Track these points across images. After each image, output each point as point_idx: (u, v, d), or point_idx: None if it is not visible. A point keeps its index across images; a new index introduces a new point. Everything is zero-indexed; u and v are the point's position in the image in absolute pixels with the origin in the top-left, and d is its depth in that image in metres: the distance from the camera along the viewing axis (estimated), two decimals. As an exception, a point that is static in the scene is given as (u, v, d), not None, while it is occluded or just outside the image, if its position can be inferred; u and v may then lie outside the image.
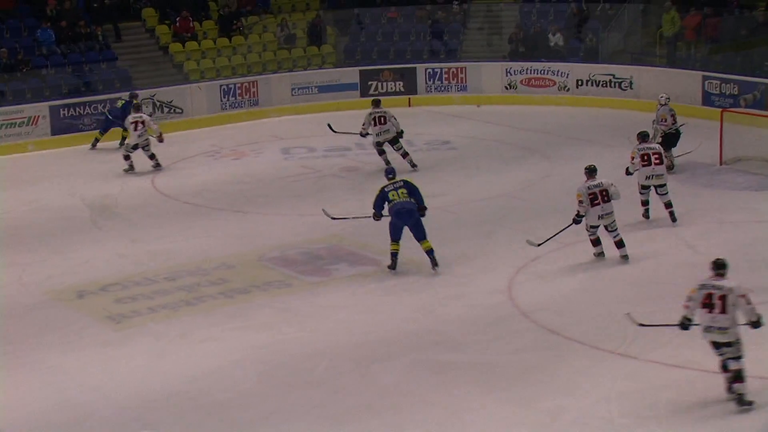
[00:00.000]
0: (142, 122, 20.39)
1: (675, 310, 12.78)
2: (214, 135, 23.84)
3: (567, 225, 14.94)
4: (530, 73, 26.21)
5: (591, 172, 14.83)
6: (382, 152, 19.92)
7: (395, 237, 14.67)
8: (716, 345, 10.54)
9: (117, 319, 13.25)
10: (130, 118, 20.48)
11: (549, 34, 26.92)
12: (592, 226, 14.77)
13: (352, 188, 19.16)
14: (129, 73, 25.41)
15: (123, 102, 22.59)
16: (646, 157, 15.93)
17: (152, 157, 20.58)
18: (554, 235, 14.98)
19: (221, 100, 25.58)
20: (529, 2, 28.35)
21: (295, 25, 28.11)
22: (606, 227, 14.74)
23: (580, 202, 14.70)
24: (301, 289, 14.25)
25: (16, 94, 23.81)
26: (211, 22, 27.69)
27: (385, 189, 14.89)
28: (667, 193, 16.19)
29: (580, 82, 25.78)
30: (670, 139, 18.93)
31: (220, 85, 25.65)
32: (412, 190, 14.83)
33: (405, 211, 14.63)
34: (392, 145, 19.90)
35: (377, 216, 14.95)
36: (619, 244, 14.80)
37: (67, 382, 11.57)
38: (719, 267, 10.69)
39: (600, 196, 14.57)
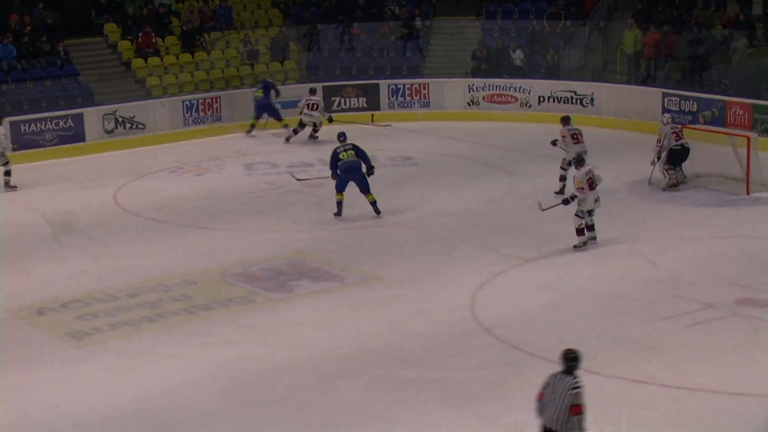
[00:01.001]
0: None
1: (636, 325, 12.99)
2: (177, 151, 23.76)
3: (558, 203, 16.23)
4: (492, 89, 26.36)
5: (581, 161, 16.04)
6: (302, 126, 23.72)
7: (340, 188, 17.85)
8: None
9: (78, 336, 13.16)
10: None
11: (510, 51, 27.09)
12: (589, 211, 15.71)
13: (316, 203, 19.14)
14: (91, 89, 25.28)
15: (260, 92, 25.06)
16: (575, 135, 18.17)
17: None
18: (555, 206, 16.24)
19: (184, 116, 25.52)
20: (491, 19, 28.52)
21: (258, 41, 28.11)
22: (590, 212, 15.75)
23: (581, 188, 15.62)
24: (263, 306, 14.22)
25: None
26: (173, 37, 27.61)
27: (337, 150, 17.94)
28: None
29: (542, 99, 25.96)
30: (677, 155, 19.04)
31: (183, 101, 25.59)
32: (359, 152, 17.85)
33: (352, 169, 17.73)
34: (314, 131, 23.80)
35: (334, 175, 17.88)
36: (591, 228, 15.85)
37: (27, 401, 11.46)
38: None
39: (595, 182, 15.73)
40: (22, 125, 23.34)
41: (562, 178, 18.94)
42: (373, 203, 17.75)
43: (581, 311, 13.58)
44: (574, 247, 15.76)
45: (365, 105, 26.65)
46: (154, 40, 26.95)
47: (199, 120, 25.63)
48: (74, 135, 23.96)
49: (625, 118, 24.61)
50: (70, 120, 23.95)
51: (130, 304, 14.21)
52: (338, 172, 17.79)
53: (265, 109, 25.18)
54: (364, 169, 17.78)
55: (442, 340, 12.83)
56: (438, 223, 17.71)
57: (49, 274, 15.58)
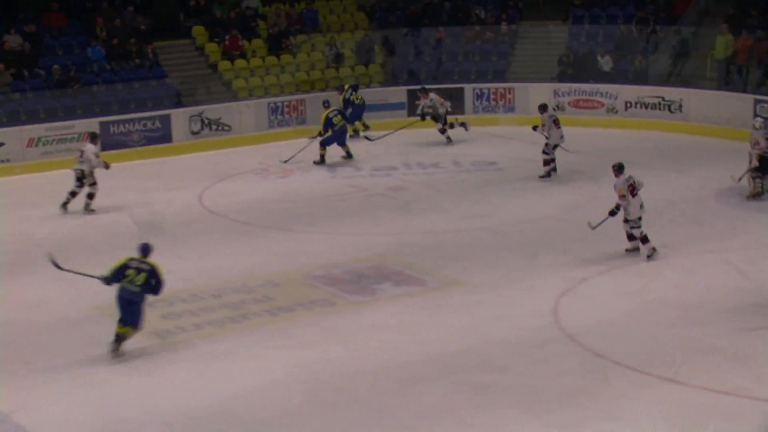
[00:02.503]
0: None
1: (723, 336, 12.73)
2: (262, 153, 23.95)
3: (606, 218, 15.82)
4: (578, 94, 26.13)
5: (620, 168, 15.71)
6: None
7: (327, 144, 22.28)
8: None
9: (163, 335, 13.32)
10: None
11: (598, 56, 26.79)
12: (639, 218, 15.55)
13: (399, 207, 19.15)
14: (178, 90, 25.62)
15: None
16: (632, 188, 15.62)
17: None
18: (603, 221, 15.87)
19: (269, 118, 25.73)
20: (578, 24, 28.25)
21: (343, 44, 28.22)
22: (637, 219, 15.57)
23: (623, 196, 15.50)
24: (345, 309, 14.24)
25: (67, 110, 24.10)
26: (260, 40, 27.87)
27: (329, 115, 22.20)
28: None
29: (628, 104, 25.64)
30: (766, 163, 18.70)
31: (268, 103, 25.79)
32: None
33: (343, 132, 22.52)
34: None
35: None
36: (646, 240, 15.58)
37: (112, 398, 11.62)
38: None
39: (637, 188, 15.55)
40: (111, 126, 23.76)
41: (546, 162, 20.50)
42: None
43: (667, 320, 13.35)
44: (626, 250, 15.76)
45: (449, 109, 26.51)
46: (240, 43, 27.23)
47: (284, 122, 25.82)
48: (161, 136, 24.32)
49: (714, 125, 24.15)
50: (157, 121, 24.30)
51: (213, 305, 14.34)
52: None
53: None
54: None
55: (524, 346, 12.72)
56: (521, 229, 17.58)
57: (135, 273, 15.76)
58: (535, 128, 21.20)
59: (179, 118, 24.62)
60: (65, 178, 21.28)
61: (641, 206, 15.52)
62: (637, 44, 26.95)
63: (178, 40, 27.60)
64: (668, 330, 13.01)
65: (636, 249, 15.74)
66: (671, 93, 25.27)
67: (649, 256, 15.59)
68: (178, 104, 25.23)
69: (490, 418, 10.91)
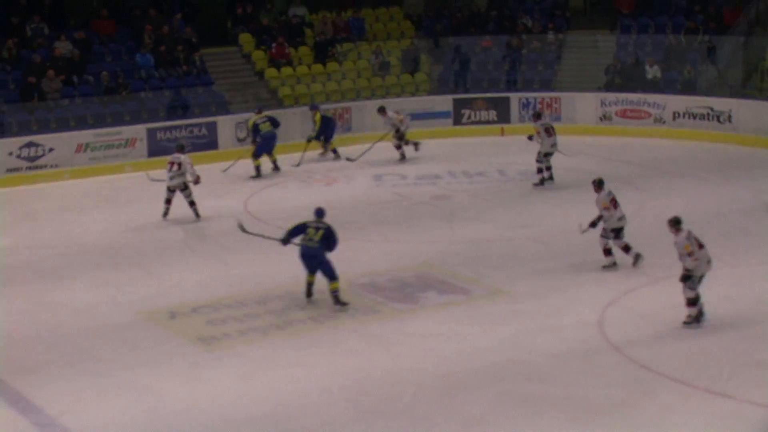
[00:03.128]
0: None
1: (772, 350, 12.55)
2: (307, 160, 23.98)
3: (589, 225, 15.69)
4: (626, 104, 25.96)
5: (600, 183, 15.70)
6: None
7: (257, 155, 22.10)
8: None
9: (207, 341, 13.36)
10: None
11: (646, 66, 26.61)
12: (615, 230, 15.52)
13: (442, 217, 19.11)
14: (225, 98, 25.76)
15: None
16: (548, 130, 17.49)
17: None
18: (589, 227, 15.73)
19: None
20: (626, 33, 28.06)
21: (390, 53, 28.25)
22: (620, 231, 15.53)
23: (606, 208, 15.51)
24: (389, 316, 14.22)
25: (114, 117, 24.32)
26: (306, 48, 27.96)
27: (257, 122, 22.09)
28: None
29: (676, 115, 25.43)
30: None
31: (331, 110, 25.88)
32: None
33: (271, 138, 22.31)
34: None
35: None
36: (627, 249, 15.63)
37: (156, 403, 11.67)
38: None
39: (616, 201, 15.61)
40: (157, 132, 23.94)
41: (540, 171, 20.74)
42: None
43: (715, 332, 13.18)
44: (603, 267, 15.57)
45: (495, 118, 26.54)
46: (287, 51, 27.34)
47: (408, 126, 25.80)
48: (208, 143, 24.48)
49: (764, 136, 23.90)
50: (204, 128, 24.45)
51: (258, 311, 14.37)
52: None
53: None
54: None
55: (569, 356, 12.62)
56: (566, 239, 17.41)
57: (180, 279, 15.89)
58: (530, 137, 21.28)
59: (225, 125, 24.76)
60: (112, 184, 21.53)
61: (620, 218, 15.52)
62: (685, 54, 26.71)
63: (226, 48, 27.78)
64: (716, 342, 12.85)
65: (613, 264, 15.61)
66: (720, 104, 25.02)
67: (634, 264, 15.60)
68: (225, 111, 25.35)
69: (534, 429, 10.84)
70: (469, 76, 27.90)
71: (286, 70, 27.10)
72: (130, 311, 14.49)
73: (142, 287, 15.58)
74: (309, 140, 23.89)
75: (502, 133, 25.97)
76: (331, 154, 24.11)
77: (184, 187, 18.87)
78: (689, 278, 13.25)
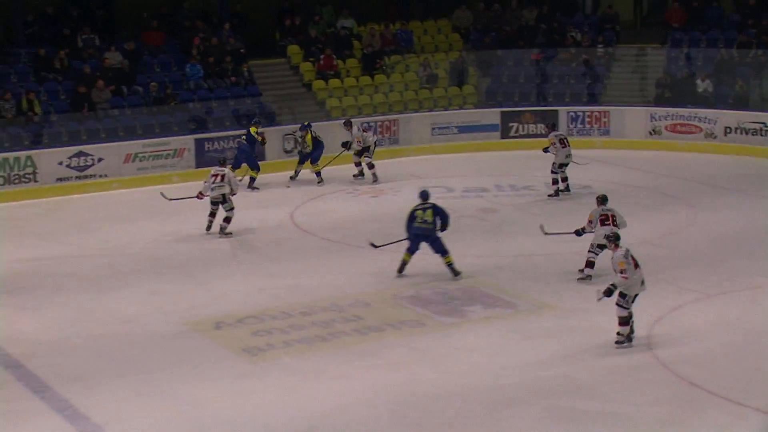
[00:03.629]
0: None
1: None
2: (354, 172, 23.97)
3: (569, 231, 16.22)
4: (676, 119, 25.70)
5: (603, 200, 16.05)
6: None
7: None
8: None
9: (253, 351, 13.36)
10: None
11: (697, 80, 26.35)
12: (598, 245, 15.64)
13: (489, 230, 19.02)
14: (272, 109, 25.84)
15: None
16: (605, 219, 15.87)
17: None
18: (560, 233, 16.43)
19: (362, 138, 25.77)
20: (677, 47, 27.81)
21: (437, 65, 28.21)
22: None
23: (590, 222, 15.94)
24: (434, 330, 14.15)
25: (163, 127, 24.47)
26: (354, 60, 28.00)
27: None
28: None
29: (728, 130, 25.15)
30: None
31: (361, 123, 25.85)
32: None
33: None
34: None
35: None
36: (590, 265, 15.89)
37: (201, 413, 11.68)
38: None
39: (611, 219, 15.68)
40: (205, 143, 24.05)
41: (555, 182, 21.04)
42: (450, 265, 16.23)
43: (766, 352, 12.98)
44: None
45: (543, 132, 26.31)
46: (335, 63, 27.39)
47: (377, 142, 25.80)
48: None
49: (818, 152, 23.62)
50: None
51: (303, 323, 14.36)
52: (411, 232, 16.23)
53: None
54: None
55: (617, 372, 12.49)
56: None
57: (227, 289, 15.91)
58: (546, 150, 21.41)
59: (272, 136, 24.79)
60: (159, 194, 21.60)
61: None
62: (737, 68, 26.42)
63: (274, 59, 27.89)
64: (767, 361, 12.66)
65: (589, 277, 15.75)
66: (774, 119, 24.72)
67: (579, 279, 15.82)
68: (272, 123, 25.43)
69: (580, 446, 10.72)
70: (517, 89, 27.80)
71: (334, 82, 27.15)
72: (177, 321, 14.53)
73: (189, 297, 15.63)
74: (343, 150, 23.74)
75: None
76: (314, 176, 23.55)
77: (224, 200, 18.91)
78: (611, 293, 13.24)
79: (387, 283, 16.03)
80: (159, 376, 12.66)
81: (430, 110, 27.07)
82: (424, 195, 16.13)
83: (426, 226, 15.85)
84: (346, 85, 27.27)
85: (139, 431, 11.28)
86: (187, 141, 24.02)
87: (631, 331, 13.29)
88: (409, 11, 30.66)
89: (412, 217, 15.98)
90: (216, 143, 24.22)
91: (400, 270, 16.16)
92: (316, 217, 20.32)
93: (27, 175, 22.46)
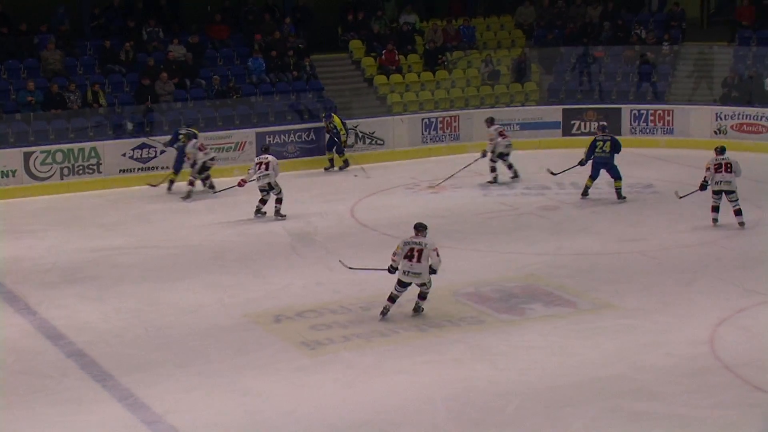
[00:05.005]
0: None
1: None
2: (414, 168, 23.97)
3: (694, 190, 18.57)
4: (742, 118, 25.32)
5: (721, 150, 18.47)
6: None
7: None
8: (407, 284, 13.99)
9: (311, 345, 13.39)
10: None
11: (765, 79, 25.92)
12: (714, 192, 18.26)
13: (550, 228, 18.89)
14: (334, 103, 25.90)
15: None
16: (718, 167, 18.34)
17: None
18: (690, 193, 18.87)
19: (422, 134, 25.77)
20: (745, 46, 27.39)
21: (500, 62, 28.08)
22: (726, 194, 18.14)
23: (707, 169, 18.29)
24: (494, 327, 14.08)
25: (225, 120, 24.62)
26: (416, 55, 27.97)
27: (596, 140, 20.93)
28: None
29: (795, 130, 24.76)
30: None
31: (422, 119, 25.84)
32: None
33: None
34: None
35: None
36: (737, 213, 18.21)
37: (260, 405, 11.72)
38: (420, 227, 14.06)
39: (724, 167, 18.14)
40: (267, 137, 24.16)
41: (493, 170, 22.38)
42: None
43: (833, 355, 12.76)
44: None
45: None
46: (397, 58, 27.37)
47: (438, 138, 25.82)
48: (315, 148, 24.61)
49: None
50: (312, 133, 24.58)
51: (362, 317, 14.36)
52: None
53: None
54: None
55: (679, 374, 12.31)
56: (677, 254, 17.10)
57: (286, 283, 15.97)
58: (483, 154, 22.47)
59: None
60: (220, 187, 21.77)
61: (717, 183, 18.23)
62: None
63: (336, 54, 27.94)
64: (833, 366, 12.44)
65: (715, 220, 18.22)
66: (844, 118, 24.29)
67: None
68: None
69: (641, 447, 10.61)
70: (580, 86, 27.57)
71: (396, 77, 27.13)
72: (236, 313, 14.61)
73: (248, 290, 15.71)
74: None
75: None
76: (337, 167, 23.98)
77: (271, 187, 19.19)
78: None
79: (446, 279, 15.93)
80: (219, 368, 12.73)
81: (492, 107, 26.94)
82: (603, 128, 20.73)
83: (605, 155, 20.11)
84: (407, 80, 27.24)
85: (199, 422, 11.33)
86: (248, 134, 24.14)
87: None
88: (473, 7, 30.58)
89: (593, 147, 20.21)
90: (278, 137, 24.31)
91: (585, 193, 20.45)
92: (376, 211, 20.32)
93: (91, 166, 22.73)
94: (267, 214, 19.64)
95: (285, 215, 19.42)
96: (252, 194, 20.15)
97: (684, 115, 25.94)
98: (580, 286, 15.56)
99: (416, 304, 14.42)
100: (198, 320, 14.42)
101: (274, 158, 19.74)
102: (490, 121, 23.00)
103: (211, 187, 21.84)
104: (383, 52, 27.31)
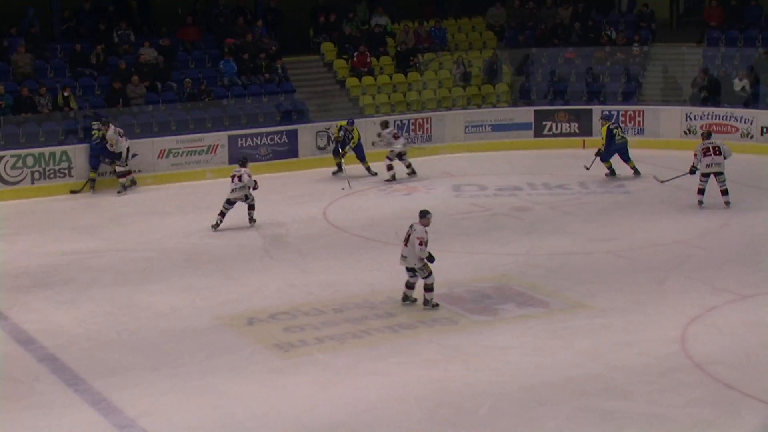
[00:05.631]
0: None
1: None
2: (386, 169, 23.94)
3: (683, 173, 19.56)
4: (712, 118, 25.47)
5: (707, 135, 19.83)
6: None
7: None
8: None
9: (285, 347, 13.38)
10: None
11: (735, 79, 26.12)
12: (703, 174, 19.21)
13: (522, 228, 18.95)
14: (306, 106, 25.86)
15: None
16: (706, 151, 19.31)
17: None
18: (676, 177, 19.95)
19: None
20: (714, 46, 27.56)
21: (471, 63, 28.12)
22: (715, 176, 19.16)
23: (695, 155, 19.31)
24: (467, 328, 14.11)
25: (197, 123, 24.54)
26: (388, 57, 27.98)
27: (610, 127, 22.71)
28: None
29: (765, 129, 24.92)
30: None
31: (395, 121, 25.82)
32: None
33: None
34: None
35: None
36: (724, 193, 19.37)
37: (234, 407, 11.70)
38: (420, 214, 14.54)
39: (712, 150, 19.21)
40: (239, 139, 24.10)
41: (390, 168, 22.81)
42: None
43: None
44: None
45: (577, 131, 26.25)
46: (368, 60, 27.37)
47: (410, 140, 25.78)
48: (288, 150, 24.57)
49: None
50: (284, 136, 24.56)
51: (335, 319, 14.36)
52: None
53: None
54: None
55: (651, 373, 12.39)
56: (649, 253, 17.20)
57: (259, 285, 15.95)
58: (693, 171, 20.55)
59: (306, 133, 24.84)
60: (192, 190, 21.74)
61: (707, 165, 19.22)
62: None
63: (307, 56, 27.90)
64: (803, 363, 12.55)
65: (700, 202, 19.38)
66: (810, 119, 24.47)
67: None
68: (305, 120, 25.45)
69: (614, 446, 10.66)
70: (551, 87, 27.67)
71: (368, 80, 27.14)
72: (209, 316, 14.58)
73: (222, 293, 15.67)
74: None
75: (584, 145, 25.64)
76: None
77: (245, 198, 19.13)
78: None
79: (419, 280, 15.97)
80: (192, 370, 12.71)
81: (464, 108, 27.00)
82: (608, 116, 23.35)
83: (623, 141, 22.46)
84: (379, 82, 27.25)
85: (173, 425, 11.31)
86: (220, 137, 24.08)
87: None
88: (444, 9, 30.59)
89: (611, 135, 22.25)
90: (249, 140, 24.25)
91: (613, 174, 22.47)
92: (349, 213, 20.33)
93: (62, 170, 22.60)
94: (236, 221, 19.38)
95: (255, 220, 19.33)
96: (223, 198, 20.06)
97: (654, 116, 26.07)
98: (553, 286, 15.63)
99: (423, 298, 14.62)
100: (171, 323, 14.38)
101: (247, 170, 19.34)
102: (384, 124, 23.53)
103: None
104: (355, 54, 27.31)
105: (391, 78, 27.44)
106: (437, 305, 14.62)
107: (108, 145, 22.01)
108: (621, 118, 25.96)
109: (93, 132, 22.41)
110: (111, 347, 13.55)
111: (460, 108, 26.98)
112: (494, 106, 27.19)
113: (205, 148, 23.87)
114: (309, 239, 18.57)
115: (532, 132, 26.51)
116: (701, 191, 19.48)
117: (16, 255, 17.79)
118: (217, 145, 23.96)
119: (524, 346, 13.39)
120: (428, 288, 14.59)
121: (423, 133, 26.09)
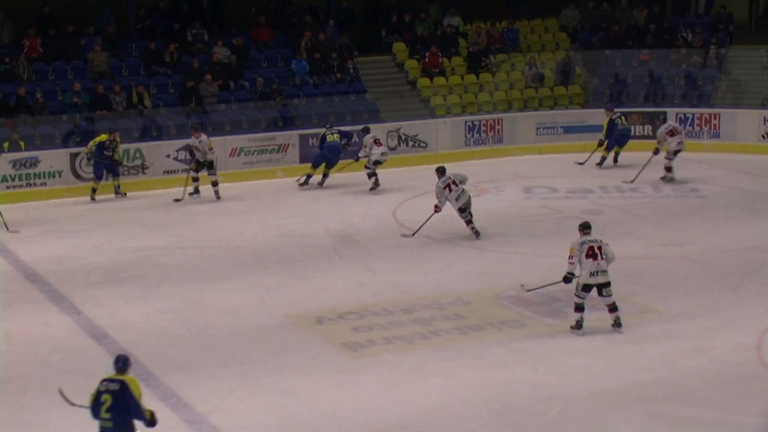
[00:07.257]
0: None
1: None
2: (457, 171, 23.82)
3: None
4: (791, 122, 25.03)
5: (585, 227, 13.94)
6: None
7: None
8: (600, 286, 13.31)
9: (353, 347, 13.38)
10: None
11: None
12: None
13: (594, 231, 18.69)
14: (377, 106, 25.88)
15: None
16: (671, 132, 17.89)
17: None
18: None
19: (465, 136, 25.71)
20: (793, 47, 27.09)
21: (544, 65, 27.95)
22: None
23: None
24: (536, 330, 14.00)
25: (268, 122, 24.69)
26: (459, 58, 27.90)
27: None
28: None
29: (844, 132, 24.44)
30: None
31: (465, 122, 25.77)
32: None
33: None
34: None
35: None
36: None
37: (301, 406, 11.72)
38: (586, 227, 13.70)
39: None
40: (310, 138, 24.19)
41: (371, 175, 22.16)
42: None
43: None
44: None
45: (651, 134, 25.88)
46: (440, 60, 27.33)
47: (481, 141, 25.74)
48: (359, 150, 24.51)
49: None
50: (355, 135, 24.55)
51: (404, 320, 14.33)
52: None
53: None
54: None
55: (723, 380, 12.18)
56: (723, 259, 16.91)
57: (328, 284, 15.98)
58: (357, 159, 22.38)
59: (376, 133, 24.72)
60: (263, 189, 21.85)
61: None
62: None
63: (379, 56, 27.94)
64: None
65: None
66: None
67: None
68: (376, 119, 25.46)
69: (685, 454, 10.49)
70: (625, 89, 27.37)
71: (439, 80, 27.09)
72: (278, 315, 14.64)
73: (291, 291, 15.73)
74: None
75: (657, 151, 25.28)
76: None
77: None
78: (568, 280, 13.75)
79: (489, 282, 15.92)
80: (260, 368, 12.76)
81: (536, 110, 26.84)
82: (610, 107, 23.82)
83: (625, 128, 23.48)
84: (451, 83, 27.19)
85: (241, 422, 11.36)
86: (292, 136, 24.19)
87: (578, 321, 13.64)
88: (517, 10, 30.44)
89: (612, 123, 22.80)
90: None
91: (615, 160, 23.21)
92: (419, 214, 20.21)
93: (135, 167, 22.88)
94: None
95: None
96: (296, 197, 20.24)
97: (731, 119, 25.64)
98: (624, 290, 15.37)
99: (612, 320, 13.68)
100: (240, 321, 14.46)
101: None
102: (366, 130, 22.80)
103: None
104: (426, 54, 27.28)
105: (462, 79, 27.36)
106: (620, 325, 13.62)
107: (199, 154, 21.64)
108: (696, 122, 25.61)
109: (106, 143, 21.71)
110: (181, 343, 13.67)
111: (531, 109, 26.81)
112: (566, 108, 26.98)
113: (276, 147, 24.00)
114: (378, 239, 18.56)
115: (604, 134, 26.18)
116: (670, 169, 21.32)
117: (89, 251, 18.05)
118: (288, 145, 24.08)
119: (595, 350, 13.23)
120: (616, 307, 13.68)
121: (494, 134, 25.99)
